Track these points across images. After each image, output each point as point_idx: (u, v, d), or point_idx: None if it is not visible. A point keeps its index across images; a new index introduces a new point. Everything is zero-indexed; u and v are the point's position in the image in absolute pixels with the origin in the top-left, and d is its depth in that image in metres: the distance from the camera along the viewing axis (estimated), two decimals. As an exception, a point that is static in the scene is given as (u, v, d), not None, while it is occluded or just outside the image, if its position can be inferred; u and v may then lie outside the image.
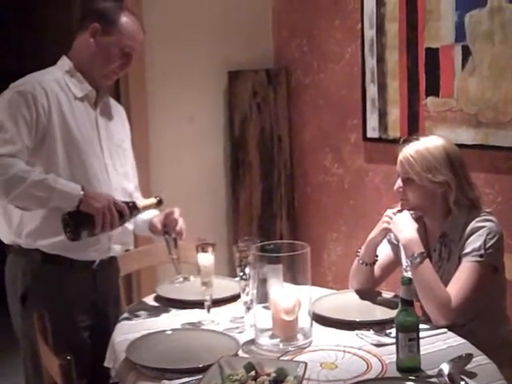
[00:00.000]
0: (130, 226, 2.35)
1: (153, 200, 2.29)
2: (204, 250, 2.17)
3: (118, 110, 2.46)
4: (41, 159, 2.16)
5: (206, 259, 2.18)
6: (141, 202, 2.30)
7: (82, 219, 2.10)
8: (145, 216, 2.40)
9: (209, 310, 2.18)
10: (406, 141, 2.26)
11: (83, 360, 2.14)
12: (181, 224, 2.32)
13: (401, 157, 2.23)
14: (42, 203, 2.12)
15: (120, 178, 2.36)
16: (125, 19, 2.26)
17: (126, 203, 2.20)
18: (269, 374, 1.69)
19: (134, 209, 2.22)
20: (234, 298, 2.31)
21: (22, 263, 2.25)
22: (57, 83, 2.24)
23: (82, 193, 2.10)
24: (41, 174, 2.11)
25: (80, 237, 2.12)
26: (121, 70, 2.31)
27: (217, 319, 2.18)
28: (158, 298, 2.41)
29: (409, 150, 2.21)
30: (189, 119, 3.61)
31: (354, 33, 3.39)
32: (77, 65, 2.28)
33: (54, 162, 2.18)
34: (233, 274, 2.33)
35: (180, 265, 2.33)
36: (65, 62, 2.30)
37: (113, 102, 2.45)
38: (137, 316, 2.27)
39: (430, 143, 2.21)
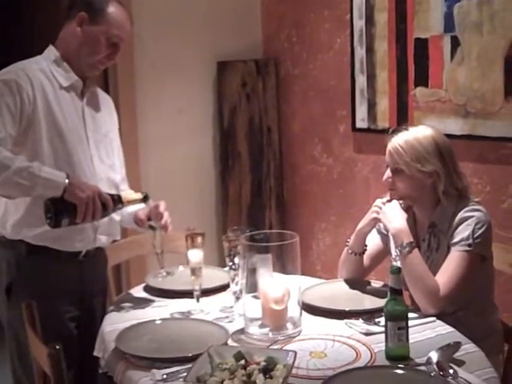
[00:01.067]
0: (116, 217, 2.34)
1: (139, 195, 2.27)
2: (193, 240, 2.17)
3: (105, 100, 2.44)
4: (25, 148, 2.14)
5: (196, 251, 2.17)
6: (126, 195, 2.27)
7: (64, 207, 2.08)
8: (130, 209, 2.38)
9: (198, 300, 2.18)
10: (395, 131, 2.26)
11: (70, 351, 2.11)
12: (166, 218, 2.29)
13: (390, 147, 2.23)
14: (26, 191, 2.09)
15: (106, 168, 2.34)
16: (112, 8, 2.24)
17: (111, 196, 2.18)
18: (258, 363, 1.69)
19: (118, 202, 2.19)
20: (224, 287, 2.32)
21: (6, 255, 2.24)
22: (42, 72, 2.21)
23: (66, 181, 2.07)
24: (25, 161, 2.08)
25: (60, 224, 2.09)
26: (108, 60, 2.28)
27: (206, 309, 2.18)
28: (147, 288, 2.41)
29: (398, 140, 2.21)
30: (177, 111, 3.60)
31: (343, 23, 3.39)
32: (63, 54, 2.26)
33: (39, 151, 2.16)
34: (222, 264, 2.33)
35: (163, 259, 2.31)
36: (51, 52, 2.27)
37: (100, 93, 2.42)
38: (126, 306, 2.27)
39: (419, 133, 2.22)
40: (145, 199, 2.27)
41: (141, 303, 2.29)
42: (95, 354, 2.05)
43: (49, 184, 2.07)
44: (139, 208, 2.37)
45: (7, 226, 2.21)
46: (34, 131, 2.15)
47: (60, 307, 2.26)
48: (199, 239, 2.17)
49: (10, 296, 2.22)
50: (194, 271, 2.17)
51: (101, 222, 2.24)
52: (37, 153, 2.15)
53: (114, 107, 2.49)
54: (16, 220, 2.19)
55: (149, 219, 2.32)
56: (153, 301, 2.30)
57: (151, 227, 2.32)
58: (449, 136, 2.34)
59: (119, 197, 2.21)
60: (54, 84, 2.22)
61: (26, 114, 2.13)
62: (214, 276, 2.40)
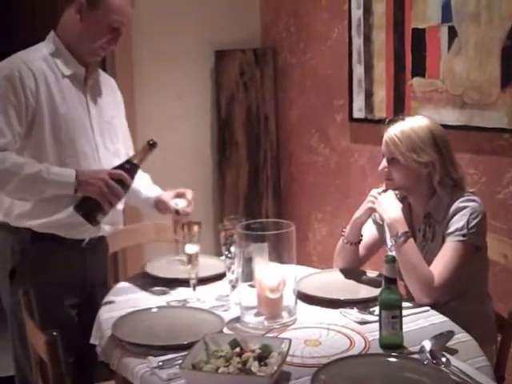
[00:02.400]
0: (120, 206, 2.32)
1: (145, 146, 2.19)
2: (190, 229, 2.18)
3: (108, 83, 2.43)
4: (30, 141, 2.16)
5: (193, 244, 2.18)
6: (134, 155, 2.23)
7: (88, 205, 2.11)
8: (150, 192, 2.40)
9: (194, 288, 2.19)
10: (392, 121, 2.27)
11: (71, 338, 2.14)
12: (192, 205, 2.31)
13: (386, 137, 2.24)
14: (38, 194, 2.14)
15: (110, 156, 2.34)
16: None
17: (122, 166, 2.17)
18: (253, 351, 1.71)
19: (132, 168, 2.16)
20: (220, 276, 2.33)
21: (11, 240, 2.25)
22: (44, 61, 2.21)
23: (74, 180, 2.09)
24: (34, 165, 2.10)
25: (97, 221, 2.13)
26: (109, 46, 2.26)
27: (202, 297, 2.19)
28: (144, 276, 2.42)
29: (394, 130, 2.22)
30: (176, 97, 3.60)
31: (341, 13, 3.38)
32: (65, 41, 2.24)
33: (43, 142, 2.17)
34: (219, 253, 2.34)
35: (181, 246, 2.28)
36: (52, 39, 2.26)
37: (103, 77, 2.40)
38: (123, 293, 2.28)
39: (415, 123, 2.22)
40: (153, 146, 2.19)
41: (137, 291, 2.30)
42: (92, 341, 2.07)
43: (59, 185, 2.11)
44: (161, 193, 2.38)
45: (12, 216, 2.22)
46: (38, 123, 2.16)
47: (62, 294, 2.27)
48: (195, 228, 2.18)
49: (14, 281, 2.24)
50: (191, 260, 2.18)
51: None
52: (40, 143, 2.17)
53: (117, 89, 2.48)
54: (23, 211, 2.20)
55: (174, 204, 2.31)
56: (149, 289, 2.31)
57: (177, 212, 2.30)
58: (445, 126, 2.35)
59: (129, 161, 2.18)
60: (56, 73, 2.22)
61: (30, 109, 2.14)
62: (210, 265, 2.41)
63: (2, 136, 2.09)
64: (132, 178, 2.17)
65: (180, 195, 2.35)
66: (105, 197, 2.09)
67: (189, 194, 2.34)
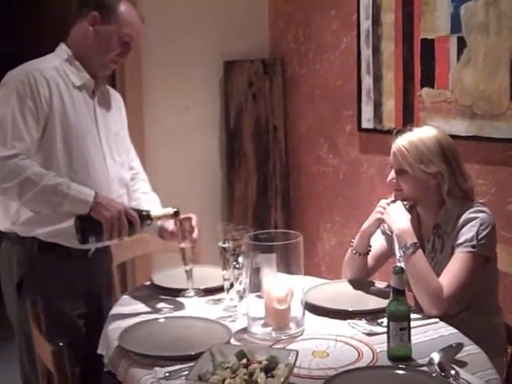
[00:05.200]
0: None
1: (169, 211, 2.23)
2: (181, 224, 2.23)
3: (115, 98, 2.46)
4: (41, 148, 2.16)
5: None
6: (156, 211, 2.25)
7: (92, 225, 2.11)
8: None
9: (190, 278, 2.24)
10: (400, 132, 2.26)
11: (78, 348, 2.15)
12: (197, 232, 2.29)
13: (394, 148, 2.23)
14: (54, 207, 2.14)
15: (118, 167, 2.36)
16: (123, 7, 2.25)
17: (139, 212, 2.18)
18: (260, 362, 1.70)
19: (146, 218, 2.18)
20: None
21: (17, 251, 2.26)
22: (56, 71, 2.22)
23: (92, 200, 2.10)
24: (54, 177, 2.11)
25: (88, 241, 2.13)
26: (119, 59, 2.30)
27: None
28: (152, 287, 2.41)
29: (402, 141, 2.21)
30: (184, 109, 3.61)
31: (349, 23, 3.39)
32: (75, 53, 2.27)
33: (54, 148, 2.18)
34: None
35: (192, 277, 2.28)
36: (63, 50, 2.28)
37: (110, 91, 2.44)
38: (130, 304, 2.28)
39: (423, 134, 2.21)
40: (175, 214, 2.23)
41: (145, 301, 2.30)
42: (99, 351, 2.06)
43: (76, 202, 2.11)
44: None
45: (19, 223, 2.22)
46: (50, 131, 2.17)
47: (69, 304, 2.27)
48: (187, 225, 2.23)
49: (21, 292, 2.24)
50: (184, 254, 2.22)
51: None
52: (51, 152, 2.18)
53: (123, 105, 2.50)
54: (29, 217, 2.20)
55: (178, 232, 2.29)
56: (157, 299, 2.31)
57: (184, 239, 2.27)
58: (455, 137, 2.34)
59: (148, 213, 2.20)
60: (67, 83, 2.23)
61: (44, 115, 2.16)
62: (217, 275, 2.39)
63: (22, 140, 2.11)
64: (142, 226, 2.17)
65: (184, 221, 2.29)
66: (111, 226, 2.09)
67: (194, 220, 2.31)
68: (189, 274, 2.27)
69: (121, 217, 2.10)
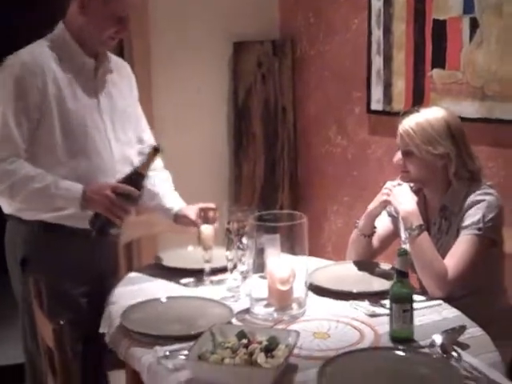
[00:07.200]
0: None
1: (150, 152, 2.15)
2: (206, 214, 2.23)
3: (123, 69, 2.41)
4: (40, 140, 2.16)
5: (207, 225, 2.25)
6: (139, 164, 2.19)
7: (100, 221, 2.12)
8: (172, 203, 2.40)
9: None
10: (407, 113, 2.23)
11: (80, 326, 2.16)
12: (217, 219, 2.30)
13: (400, 129, 2.21)
14: (48, 205, 2.17)
15: (122, 146, 2.33)
16: None
17: (128, 178, 2.14)
18: (260, 342, 1.69)
19: (138, 178, 2.14)
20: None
21: (22, 231, 2.26)
22: (53, 55, 2.20)
23: (80, 196, 2.11)
24: (44, 178, 2.11)
25: (108, 234, 2.15)
26: (118, 35, 2.26)
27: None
28: (156, 266, 2.41)
29: (409, 123, 2.19)
30: (196, 90, 3.59)
31: (360, 3, 3.34)
32: (73, 33, 2.24)
33: (53, 142, 2.17)
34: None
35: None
36: (61, 30, 2.25)
37: (116, 63, 2.38)
38: (134, 283, 2.28)
39: (430, 115, 2.18)
40: (156, 151, 2.15)
41: (149, 281, 2.29)
42: (101, 329, 2.07)
43: (66, 200, 2.14)
44: (183, 206, 2.38)
45: (23, 209, 2.23)
46: (47, 121, 2.16)
47: (72, 283, 2.27)
48: (211, 213, 2.23)
49: (25, 270, 2.24)
50: (204, 244, 2.22)
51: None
52: (51, 143, 2.17)
53: (130, 72, 2.46)
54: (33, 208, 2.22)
55: (198, 218, 2.30)
56: (162, 279, 2.30)
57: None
58: (465, 119, 2.31)
59: (136, 171, 2.16)
60: (65, 66, 2.21)
61: (37, 108, 2.14)
62: (220, 256, 2.38)
63: (13, 142, 2.12)
64: (139, 188, 2.13)
65: (205, 210, 2.31)
66: (112, 212, 2.09)
67: (213, 211, 2.31)
68: (208, 260, 2.26)
69: (112, 200, 2.08)
